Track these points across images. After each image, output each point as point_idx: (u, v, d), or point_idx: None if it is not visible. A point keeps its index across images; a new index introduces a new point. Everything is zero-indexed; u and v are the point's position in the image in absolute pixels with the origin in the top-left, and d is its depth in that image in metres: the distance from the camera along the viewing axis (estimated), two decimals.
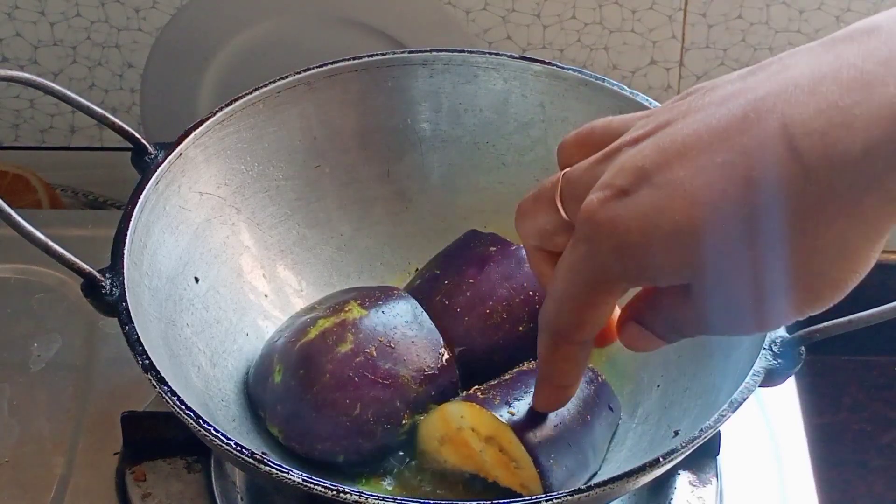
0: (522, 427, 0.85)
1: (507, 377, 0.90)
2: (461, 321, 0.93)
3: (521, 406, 0.86)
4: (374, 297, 0.92)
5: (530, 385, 0.88)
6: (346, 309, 0.91)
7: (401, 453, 0.90)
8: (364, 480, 0.89)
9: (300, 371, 0.89)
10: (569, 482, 0.85)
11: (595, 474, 0.88)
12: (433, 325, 0.92)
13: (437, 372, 0.90)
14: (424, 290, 0.95)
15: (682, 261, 0.65)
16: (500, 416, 0.85)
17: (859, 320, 0.83)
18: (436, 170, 1.03)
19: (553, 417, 0.86)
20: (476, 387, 0.89)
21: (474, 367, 0.93)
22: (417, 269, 0.99)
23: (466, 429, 0.87)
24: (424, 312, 0.92)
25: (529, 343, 0.93)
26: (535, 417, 0.85)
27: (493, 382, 0.90)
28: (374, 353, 0.89)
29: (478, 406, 0.86)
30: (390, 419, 0.88)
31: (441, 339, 0.91)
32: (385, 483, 0.89)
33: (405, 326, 0.91)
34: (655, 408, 0.92)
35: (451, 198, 1.03)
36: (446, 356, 0.91)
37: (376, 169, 1.02)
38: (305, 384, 0.89)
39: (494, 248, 0.96)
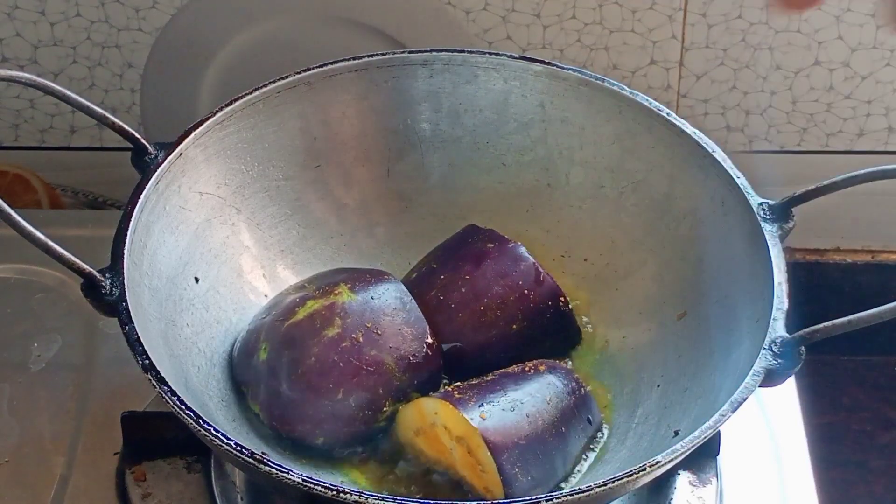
0: (492, 432, 0.85)
1: (488, 378, 0.90)
2: (455, 317, 0.94)
3: (495, 410, 0.86)
4: (365, 280, 0.93)
5: (509, 389, 0.88)
6: (336, 292, 0.92)
7: (380, 438, 0.90)
8: (342, 463, 0.90)
9: (285, 352, 0.89)
10: (533, 491, 0.85)
11: (562, 484, 0.88)
12: (421, 314, 0.92)
13: (421, 361, 0.90)
14: (421, 284, 0.95)
15: None
16: (472, 418, 0.85)
17: (859, 320, 0.82)
18: (436, 170, 1.03)
19: (525, 426, 0.86)
20: (456, 384, 0.90)
21: (466, 364, 0.93)
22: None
23: (439, 426, 0.87)
24: (413, 300, 0.92)
25: (522, 341, 0.94)
26: (506, 424, 0.86)
27: (473, 382, 0.90)
28: (361, 340, 0.89)
29: (451, 406, 0.86)
30: (372, 406, 0.89)
31: (427, 328, 0.91)
32: (363, 467, 0.90)
33: (393, 313, 0.91)
34: (655, 408, 0.92)
35: (451, 198, 1.03)
36: (431, 346, 0.91)
37: (376, 169, 1.02)
38: (290, 366, 0.89)
39: (492, 245, 0.96)
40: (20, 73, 0.90)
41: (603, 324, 0.98)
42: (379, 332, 0.90)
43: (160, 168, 0.92)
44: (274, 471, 0.78)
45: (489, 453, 0.84)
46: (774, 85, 1.22)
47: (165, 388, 0.81)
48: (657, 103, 0.98)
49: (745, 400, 0.82)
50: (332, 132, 1.01)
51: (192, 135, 0.95)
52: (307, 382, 0.89)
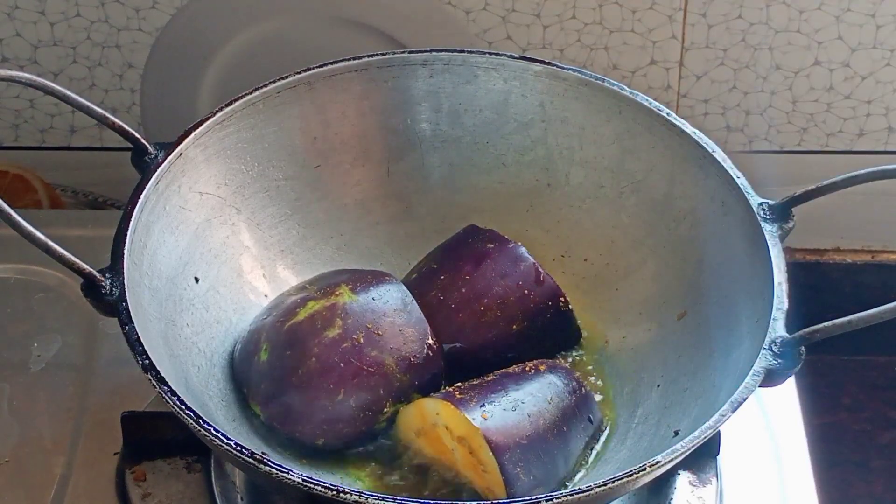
0: (493, 432, 0.85)
1: (489, 378, 0.90)
2: (455, 317, 0.94)
3: (496, 410, 0.86)
4: (366, 281, 0.93)
5: (510, 389, 0.88)
6: (337, 293, 0.92)
7: (381, 439, 0.90)
8: (342, 463, 0.90)
9: (286, 352, 0.89)
10: (534, 491, 0.85)
11: (565, 484, 0.88)
12: (422, 315, 0.92)
13: (422, 362, 0.91)
14: (421, 285, 0.95)
15: None
16: (473, 418, 0.85)
17: (859, 320, 0.83)
18: (436, 170, 1.03)
19: (527, 425, 0.86)
20: (457, 385, 0.90)
21: (466, 364, 0.93)
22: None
23: (441, 426, 0.87)
24: (414, 301, 0.92)
25: (522, 341, 0.94)
26: (508, 423, 0.86)
27: (474, 382, 0.90)
28: (362, 340, 0.89)
29: (452, 406, 0.86)
30: (372, 406, 0.89)
31: (428, 329, 0.91)
32: (364, 467, 0.90)
33: (394, 314, 0.91)
34: (655, 408, 0.92)
35: (451, 198, 1.03)
36: (433, 347, 0.91)
37: (376, 169, 1.02)
38: (291, 366, 0.89)
39: (492, 245, 0.96)
40: (20, 73, 0.90)
41: (603, 324, 0.98)
42: (380, 332, 0.90)
43: (160, 168, 0.92)
44: (274, 471, 0.78)
45: (491, 453, 0.84)
46: (774, 85, 1.22)
47: (165, 388, 0.81)
48: (657, 103, 0.98)
49: (745, 400, 0.82)
50: (332, 132, 1.01)
51: (192, 135, 0.95)
52: (308, 383, 0.89)
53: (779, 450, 1.00)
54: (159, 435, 0.94)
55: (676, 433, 0.87)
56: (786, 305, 0.86)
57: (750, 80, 1.22)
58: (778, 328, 0.85)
